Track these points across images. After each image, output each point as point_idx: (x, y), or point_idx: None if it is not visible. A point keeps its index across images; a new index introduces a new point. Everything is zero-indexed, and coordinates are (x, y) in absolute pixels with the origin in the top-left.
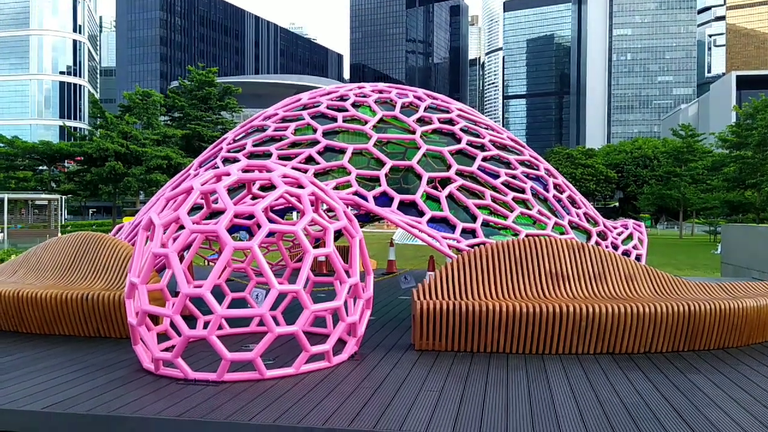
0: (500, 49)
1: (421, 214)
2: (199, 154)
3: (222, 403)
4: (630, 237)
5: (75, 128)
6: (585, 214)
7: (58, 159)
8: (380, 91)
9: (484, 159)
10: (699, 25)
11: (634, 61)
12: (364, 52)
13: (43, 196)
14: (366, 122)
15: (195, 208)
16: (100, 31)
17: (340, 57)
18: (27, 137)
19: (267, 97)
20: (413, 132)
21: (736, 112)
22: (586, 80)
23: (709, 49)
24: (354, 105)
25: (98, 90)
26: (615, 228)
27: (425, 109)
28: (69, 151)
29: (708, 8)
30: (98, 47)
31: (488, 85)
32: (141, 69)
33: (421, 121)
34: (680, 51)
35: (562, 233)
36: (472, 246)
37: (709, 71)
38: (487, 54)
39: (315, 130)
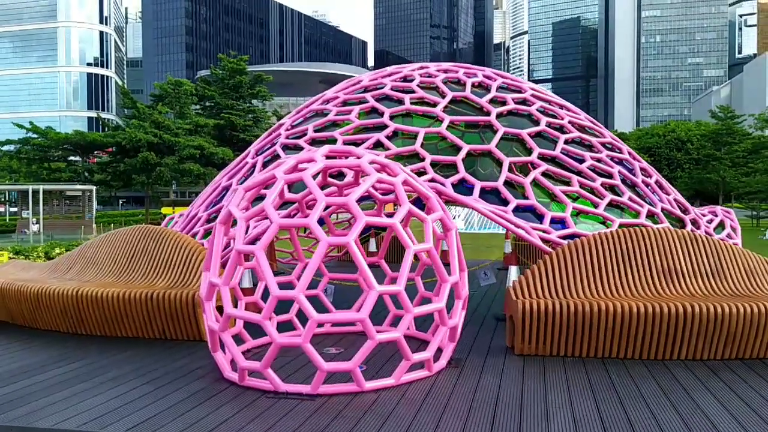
0: (525, 32)
1: (505, 202)
2: (231, 143)
3: (326, 424)
4: (721, 225)
5: (107, 119)
6: (675, 200)
7: (91, 150)
8: (446, 71)
9: (566, 142)
10: (730, 5)
11: (663, 42)
12: (389, 39)
13: (78, 186)
14: (436, 104)
15: (257, 198)
16: (126, 23)
17: (364, 44)
18: (57, 128)
19: (294, 85)
20: (488, 113)
21: None
22: (614, 63)
23: (740, 29)
24: (420, 86)
25: (125, 81)
26: (704, 215)
27: (497, 89)
28: (102, 141)
29: None
30: (124, 38)
31: (513, 69)
32: (167, 59)
33: (495, 101)
34: (711, 32)
35: (655, 222)
36: (563, 237)
37: (739, 52)
38: (512, 38)
39: (381, 114)
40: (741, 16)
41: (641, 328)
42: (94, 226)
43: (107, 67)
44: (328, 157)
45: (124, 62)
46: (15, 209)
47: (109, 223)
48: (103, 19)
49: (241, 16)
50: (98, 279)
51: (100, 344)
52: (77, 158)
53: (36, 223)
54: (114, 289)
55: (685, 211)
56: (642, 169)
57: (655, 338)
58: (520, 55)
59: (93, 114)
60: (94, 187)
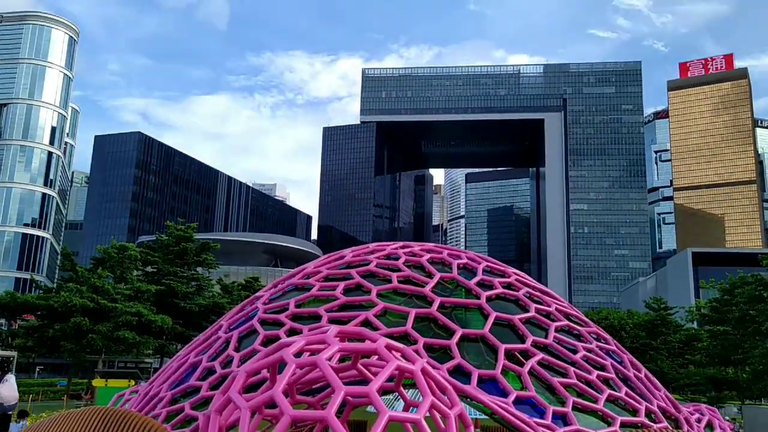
0: (462, 216)
1: (504, 393)
2: (171, 311)
3: None
4: (710, 425)
5: (40, 281)
6: (665, 396)
7: (19, 312)
8: (429, 251)
9: (556, 330)
10: (650, 203)
11: (591, 234)
12: (333, 215)
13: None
14: (424, 284)
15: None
16: (71, 186)
17: (309, 218)
18: None
19: (238, 255)
20: (477, 296)
21: (704, 287)
22: (546, 250)
23: (659, 226)
24: (406, 264)
25: (60, 243)
26: (692, 414)
27: (483, 272)
28: (35, 304)
29: (656, 188)
30: (67, 201)
31: None
32: (109, 223)
33: (482, 285)
34: (634, 227)
35: (653, 420)
36: None
37: (660, 247)
38: (449, 221)
39: (368, 291)
40: (660, 214)
41: None
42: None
43: (45, 229)
44: (339, 339)
45: (63, 225)
46: None
47: (26, 393)
48: (47, 182)
49: (189, 185)
50: None
51: None
52: (2, 321)
53: None
54: None
55: (676, 408)
56: (630, 361)
57: None
58: (457, 237)
59: (21, 275)
60: (15, 353)
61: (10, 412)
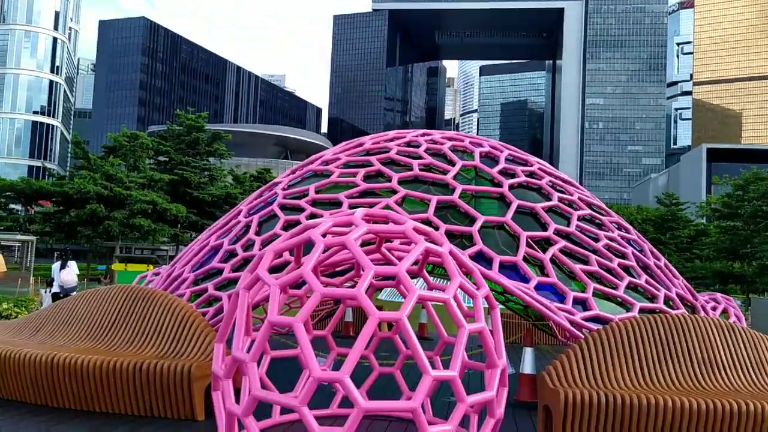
0: (475, 111)
1: (525, 279)
2: (185, 200)
3: None
4: (724, 312)
5: (51, 169)
6: (683, 284)
7: (35, 198)
8: (450, 138)
9: (578, 218)
10: (668, 98)
11: (605, 129)
12: (343, 107)
13: (18, 237)
14: (446, 171)
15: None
16: (77, 73)
17: (318, 110)
18: None
19: (248, 146)
20: (499, 185)
21: (717, 183)
22: (559, 146)
23: (675, 122)
24: (427, 152)
25: (70, 131)
26: (708, 302)
27: (505, 161)
28: (50, 190)
29: (675, 83)
30: (74, 89)
31: None
32: (118, 112)
33: (504, 173)
34: (649, 122)
35: (671, 307)
36: (586, 319)
37: (674, 143)
38: (462, 115)
39: (389, 178)
40: (677, 109)
41: (693, 426)
42: (32, 279)
43: (54, 117)
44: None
45: (72, 113)
46: None
47: (46, 277)
48: (54, 69)
49: (197, 75)
50: (74, 344)
51: (80, 422)
52: (18, 206)
53: None
54: (95, 357)
55: (693, 296)
56: (650, 250)
57: None
58: (469, 132)
59: (34, 163)
60: (34, 238)
61: (72, 293)
